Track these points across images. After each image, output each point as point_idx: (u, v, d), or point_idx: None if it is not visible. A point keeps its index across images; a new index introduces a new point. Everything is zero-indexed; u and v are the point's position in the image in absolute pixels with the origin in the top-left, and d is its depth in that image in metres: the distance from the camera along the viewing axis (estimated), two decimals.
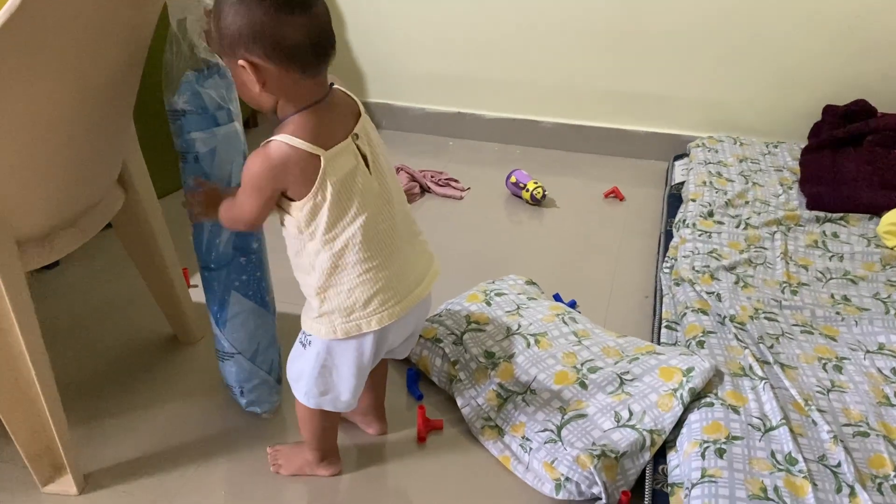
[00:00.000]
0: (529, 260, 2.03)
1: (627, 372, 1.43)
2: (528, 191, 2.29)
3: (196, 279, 1.80)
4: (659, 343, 1.58)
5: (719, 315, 1.58)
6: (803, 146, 2.29)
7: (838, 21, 2.26)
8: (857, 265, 1.79)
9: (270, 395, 1.45)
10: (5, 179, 1.10)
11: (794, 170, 2.21)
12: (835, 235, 1.90)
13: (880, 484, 1.19)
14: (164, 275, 1.59)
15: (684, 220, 1.97)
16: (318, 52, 1.02)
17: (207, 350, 1.64)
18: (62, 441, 1.27)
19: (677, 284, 1.71)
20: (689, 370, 1.37)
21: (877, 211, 1.95)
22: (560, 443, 1.32)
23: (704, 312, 1.59)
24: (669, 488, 1.24)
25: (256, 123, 2.76)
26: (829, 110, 2.33)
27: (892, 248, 1.82)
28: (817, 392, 1.38)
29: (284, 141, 1.03)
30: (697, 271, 1.74)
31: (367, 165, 1.09)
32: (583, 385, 1.41)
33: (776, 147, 2.36)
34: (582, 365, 1.46)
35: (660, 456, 1.31)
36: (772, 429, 1.27)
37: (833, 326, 1.58)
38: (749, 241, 1.88)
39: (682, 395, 1.33)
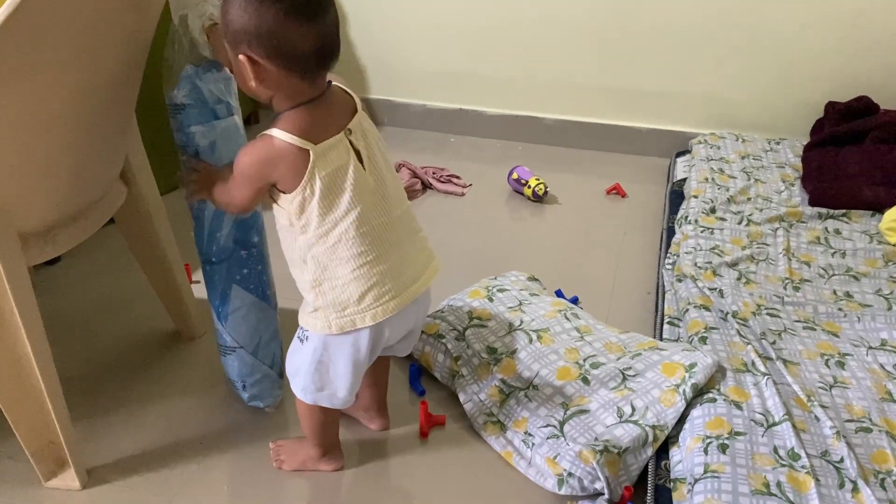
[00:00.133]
0: (531, 256, 2.03)
1: (630, 368, 1.43)
2: (529, 187, 2.29)
3: (198, 275, 1.80)
4: (661, 339, 1.58)
5: (722, 311, 1.58)
6: (805, 143, 2.29)
7: (841, 18, 2.26)
8: (860, 262, 1.78)
9: (273, 390, 1.45)
10: (8, 175, 1.10)
11: (797, 166, 2.21)
12: (837, 232, 1.90)
13: (883, 479, 1.19)
14: (166, 270, 1.59)
15: (686, 217, 1.97)
16: (320, 60, 1.03)
17: (209, 345, 1.64)
18: (65, 436, 1.27)
19: (679, 280, 1.71)
20: (692, 366, 1.37)
21: (879, 207, 1.95)
22: (562, 438, 1.32)
23: (707, 308, 1.59)
24: (672, 483, 1.24)
25: (258, 120, 2.76)
26: (831, 107, 2.33)
27: (894, 245, 1.82)
28: (820, 388, 1.38)
29: (274, 135, 1.04)
30: (700, 267, 1.74)
31: (361, 161, 1.09)
32: (585, 381, 1.42)
33: (778, 144, 2.36)
34: (584, 361, 1.46)
35: (662, 451, 1.31)
36: (774, 424, 1.27)
37: (835, 323, 1.58)
38: (751, 238, 1.87)
39: (684, 390, 1.33)
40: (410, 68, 2.73)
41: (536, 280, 1.79)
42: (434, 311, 1.63)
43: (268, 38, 0.98)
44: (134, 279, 1.76)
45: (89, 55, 1.09)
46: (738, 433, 1.25)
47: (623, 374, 1.42)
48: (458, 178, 2.43)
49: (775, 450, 1.22)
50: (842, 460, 1.21)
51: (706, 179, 2.13)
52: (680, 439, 1.30)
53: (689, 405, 1.33)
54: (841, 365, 1.44)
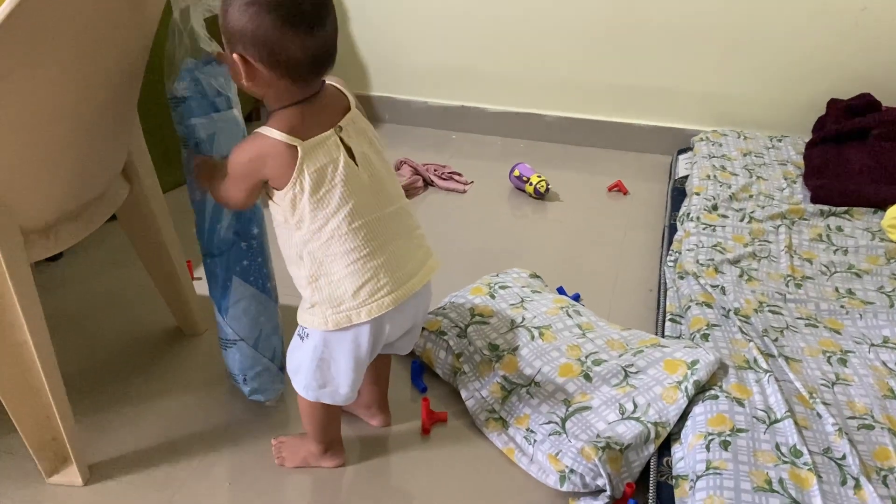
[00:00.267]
0: (533, 253, 2.03)
1: (632, 364, 1.43)
2: (531, 184, 2.29)
3: (199, 271, 1.79)
4: (663, 336, 1.58)
5: (724, 308, 1.58)
6: (807, 140, 2.28)
7: (843, 15, 2.26)
8: (862, 259, 1.78)
9: (273, 383, 1.45)
10: (10, 171, 1.10)
11: (798, 163, 2.20)
12: (839, 229, 1.90)
13: (885, 476, 1.19)
14: (168, 267, 1.59)
15: (688, 214, 1.97)
16: (314, 68, 1.05)
17: (211, 342, 1.64)
18: (67, 432, 1.27)
19: (681, 278, 1.71)
20: (694, 363, 1.37)
21: (881, 205, 1.94)
22: (564, 435, 1.32)
23: (709, 305, 1.59)
24: (674, 480, 1.24)
25: (260, 116, 2.76)
26: (833, 104, 2.33)
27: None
28: (822, 385, 1.38)
29: (264, 132, 1.06)
30: (702, 265, 1.74)
31: (354, 158, 1.10)
32: (587, 377, 1.42)
33: (780, 141, 2.35)
34: (586, 357, 1.46)
35: (664, 448, 1.31)
36: (776, 421, 1.27)
37: (837, 320, 1.58)
38: (753, 235, 1.87)
39: (686, 387, 1.33)
40: (412, 65, 2.73)
41: (538, 277, 1.79)
42: (436, 307, 1.63)
43: (263, 43, 1.00)
44: (136, 276, 1.76)
45: (91, 52, 1.09)
46: (740, 430, 1.25)
47: (625, 370, 1.42)
48: (459, 175, 2.42)
49: (777, 447, 1.22)
50: (844, 457, 1.21)
51: (708, 177, 2.13)
52: (682, 436, 1.30)
53: (692, 402, 1.33)
54: (843, 362, 1.44)
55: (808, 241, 1.86)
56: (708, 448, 1.22)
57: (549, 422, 1.36)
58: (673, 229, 1.98)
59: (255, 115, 2.73)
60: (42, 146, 1.12)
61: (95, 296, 1.83)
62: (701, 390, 1.34)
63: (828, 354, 1.46)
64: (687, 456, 1.25)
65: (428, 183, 2.39)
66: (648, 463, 1.29)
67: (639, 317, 1.76)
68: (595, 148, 2.65)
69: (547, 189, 2.29)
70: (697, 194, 2.05)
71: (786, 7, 2.29)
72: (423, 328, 1.56)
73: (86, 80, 1.11)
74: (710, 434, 1.25)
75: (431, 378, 1.57)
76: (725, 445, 1.22)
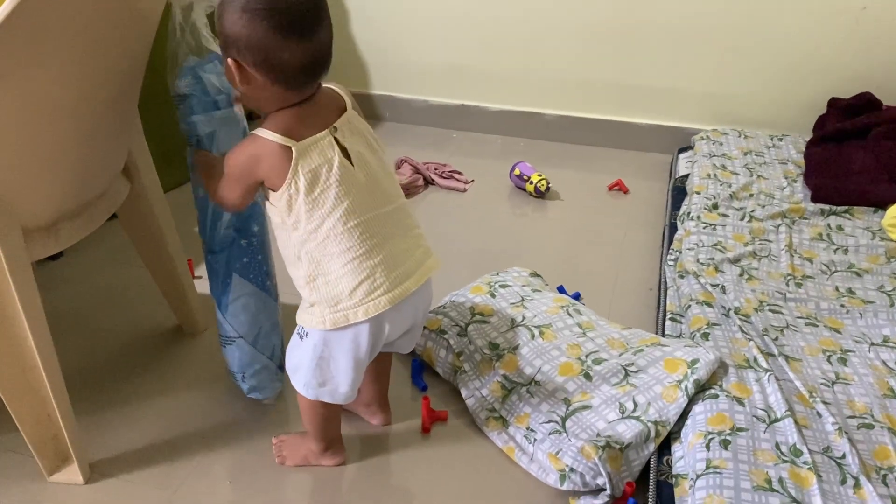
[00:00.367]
0: (533, 252, 2.03)
1: (632, 364, 1.43)
2: (531, 183, 2.29)
3: (200, 270, 1.80)
4: (663, 335, 1.58)
5: (724, 307, 1.58)
6: (808, 139, 2.28)
7: (844, 13, 2.26)
8: (862, 258, 1.78)
9: (272, 382, 1.45)
10: (11, 169, 1.10)
11: (799, 162, 2.20)
12: (839, 228, 1.90)
13: (885, 476, 1.19)
14: (168, 265, 1.59)
15: (689, 213, 1.97)
16: (308, 75, 1.06)
17: (212, 340, 1.64)
18: (68, 430, 1.28)
19: (682, 277, 1.71)
20: (694, 362, 1.37)
21: (882, 204, 1.94)
22: (565, 434, 1.33)
23: (709, 304, 1.59)
24: (674, 479, 1.24)
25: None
26: (834, 103, 2.33)
27: None
28: (822, 384, 1.38)
29: (259, 134, 1.08)
30: (702, 263, 1.74)
31: (350, 158, 1.10)
32: (587, 377, 1.42)
33: (781, 140, 2.35)
34: (587, 356, 1.46)
35: (664, 447, 1.31)
36: (776, 420, 1.27)
37: (838, 319, 1.58)
38: (753, 234, 1.87)
39: (686, 386, 1.33)
40: (412, 64, 2.73)
41: (538, 276, 1.80)
42: (436, 306, 1.64)
43: (257, 49, 1.02)
44: (136, 274, 1.76)
45: (91, 52, 1.09)
46: (740, 429, 1.25)
47: (625, 370, 1.42)
48: (460, 173, 2.42)
49: (777, 446, 1.22)
50: (844, 456, 1.21)
51: (708, 176, 2.13)
52: (682, 435, 1.30)
53: (691, 401, 1.33)
54: (843, 361, 1.44)
55: (809, 241, 1.86)
56: (708, 447, 1.22)
57: (550, 421, 1.36)
58: (673, 228, 1.98)
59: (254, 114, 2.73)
60: (43, 145, 1.12)
61: (96, 294, 1.83)
62: (701, 389, 1.35)
63: (828, 353, 1.46)
64: (687, 455, 1.25)
65: (428, 182, 2.39)
66: (648, 462, 1.29)
67: (639, 316, 1.76)
68: (595, 147, 2.65)
69: (547, 188, 2.29)
70: (698, 193, 2.05)
71: (787, 6, 2.29)
72: (424, 327, 1.56)
73: (86, 79, 1.11)
74: (710, 433, 1.25)
75: (432, 377, 1.57)
76: (725, 444, 1.22)
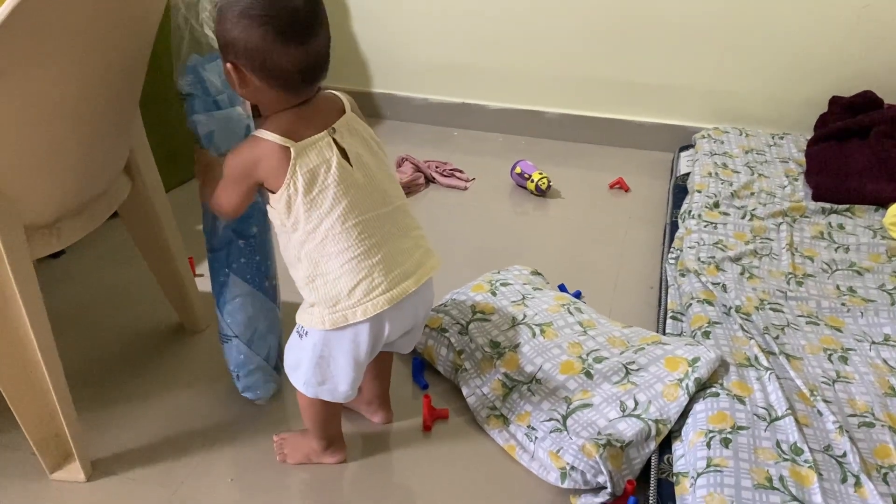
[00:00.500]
0: (534, 250, 2.04)
1: (633, 362, 1.43)
2: (532, 181, 2.29)
3: (202, 268, 1.81)
4: (664, 333, 1.58)
5: (725, 306, 1.58)
6: (809, 137, 2.28)
7: (845, 12, 2.25)
8: (863, 256, 1.78)
9: (266, 383, 1.45)
10: (13, 168, 1.10)
11: (800, 161, 2.20)
12: (840, 227, 1.90)
13: (885, 474, 1.19)
14: (170, 263, 1.59)
15: (690, 211, 1.97)
16: (305, 79, 1.07)
17: (213, 338, 1.64)
18: (70, 428, 1.28)
19: (683, 275, 1.71)
20: (695, 360, 1.37)
21: (883, 202, 1.94)
22: (565, 432, 1.33)
23: (710, 303, 1.59)
24: (675, 477, 1.24)
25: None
26: (835, 101, 2.33)
27: None
28: (823, 383, 1.38)
29: (258, 135, 1.09)
30: (703, 262, 1.74)
31: (348, 159, 1.11)
32: (588, 375, 1.42)
33: (782, 138, 2.35)
34: (587, 355, 1.46)
35: (665, 445, 1.31)
36: (777, 419, 1.27)
37: (839, 317, 1.58)
38: (755, 232, 1.87)
39: (687, 385, 1.34)
40: (413, 62, 2.73)
41: (539, 274, 1.80)
42: (437, 304, 1.64)
43: (255, 55, 1.03)
44: (138, 272, 1.76)
45: (92, 51, 1.09)
46: (740, 427, 1.25)
47: (626, 368, 1.42)
48: (460, 172, 2.42)
49: (778, 444, 1.22)
50: (844, 455, 1.21)
51: (709, 174, 2.13)
52: (683, 433, 1.30)
53: (692, 399, 1.33)
54: (844, 360, 1.44)
55: (810, 239, 1.86)
56: (709, 445, 1.22)
57: (551, 419, 1.36)
58: (674, 226, 1.98)
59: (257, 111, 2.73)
60: (44, 143, 1.12)
61: (98, 292, 1.83)
62: (702, 388, 1.35)
63: (829, 352, 1.46)
64: (688, 453, 1.25)
65: (429, 180, 2.39)
66: (649, 460, 1.29)
67: (640, 314, 1.76)
68: (596, 145, 2.65)
69: (548, 186, 2.29)
70: (699, 191, 2.05)
71: (788, 4, 2.28)
72: (425, 325, 1.56)
73: (87, 78, 1.11)
74: (710, 431, 1.25)
75: (433, 375, 1.57)
76: (726, 443, 1.22)
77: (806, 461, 1.19)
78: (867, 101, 2.25)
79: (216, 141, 1.28)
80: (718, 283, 1.66)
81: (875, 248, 1.80)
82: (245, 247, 1.35)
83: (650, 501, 1.23)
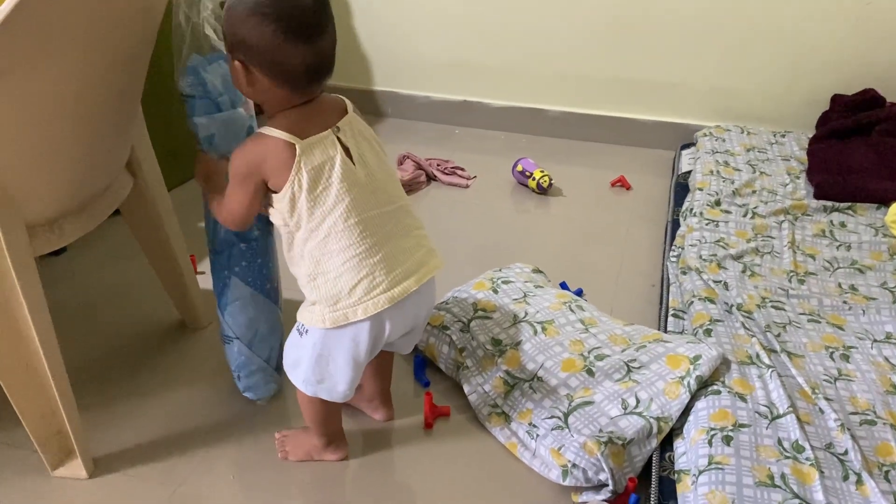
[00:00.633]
0: (536, 248, 2.04)
1: (634, 360, 1.43)
2: (534, 179, 2.29)
3: (203, 266, 1.81)
4: (665, 331, 1.58)
5: (726, 303, 1.58)
6: (811, 135, 2.28)
7: (847, 10, 2.25)
8: (865, 254, 1.78)
9: (266, 384, 1.45)
10: (14, 165, 1.10)
11: (802, 159, 2.20)
12: (842, 225, 1.90)
13: (887, 472, 1.19)
14: (172, 261, 1.59)
15: (691, 209, 1.97)
16: (312, 78, 1.08)
17: (214, 336, 1.64)
18: (72, 425, 1.28)
19: (684, 273, 1.71)
20: (697, 358, 1.37)
21: (885, 200, 1.94)
22: (567, 429, 1.33)
23: (711, 301, 1.59)
24: (676, 475, 1.24)
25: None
26: (837, 99, 2.32)
27: None
28: (824, 380, 1.38)
29: (264, 132, 1.10)
30: (704, 260, 1.74)
31: (351, 157, 1.12)
32: (590, 372, 1.42)
33: (784, 136, 2.35)
34: (589, 352, 1.46)
35: (666, 443, 1.31)
36: (779, 417, 1.27)
37: (840, 315, 1.58)
38: (756, 231, 1.87)
39: (689, 382, 1.34)
40: (415, 60, 2.72)
41: (541, 272, 1.80)
42: (439, 302, 1.64)
43: (263, 52, 1.04)
44: (139, 270, 1.76)
45: (93, 49, 1.09)
46: (742, 425, 1.25)
47: (628, 366, 1.42)
48: (462, 170, 2.42)
49: (779, 442, 1.22)
50: (846, 453, 1.21)
51: (711, 172, 2.13)
52: (684, 431, 1.30)
53: (694, 397, 1.33)
54: (846, 358, 1.44)
55: (812, 237, 1.86)
56: (710, 443, 1.22)
57: (552, 416, 1.36)
58: (676, 224, 1.98)
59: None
60: (46, 141, 1.12)
61: (99, 290, 1.83)
62: (703, 385, 1.35)
63: (830, 350, 1.46)
64: (689, 451, 1.25)
65: (431, 178, 2.39)
66: (651, 458, 1.29)
67: (641, 312, 1.76)
68: (598, 143, 2.65)
69: (550, 184, 2.29)
70: (700, 189, 2.05)
71: (790, 2, 2.28)
72: (427, 323, 1.56)
73: (88, 76, 1.11)
74: (712, 429, 1.25)
75: (434, 372, 1.57)
76: (728, 440, 1.22)
77: (807, 459, 1.19)
78: (869, 100, 2.25)
79: (217, 144, 1.27)
80: (720, 281, 1.66)
81: (877, 246, 1.80)
82: (246, 250, 1.34)
83: (652, 499, 1.23)
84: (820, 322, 1.55)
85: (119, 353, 1.63)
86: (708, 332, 1.49)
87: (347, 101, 1.17)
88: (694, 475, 1.20)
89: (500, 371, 1.46)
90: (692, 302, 1.60)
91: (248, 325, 1.38)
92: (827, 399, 1.32)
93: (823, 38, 2.31)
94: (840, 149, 2.12)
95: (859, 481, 1.17)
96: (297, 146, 1.07)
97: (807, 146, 2.24)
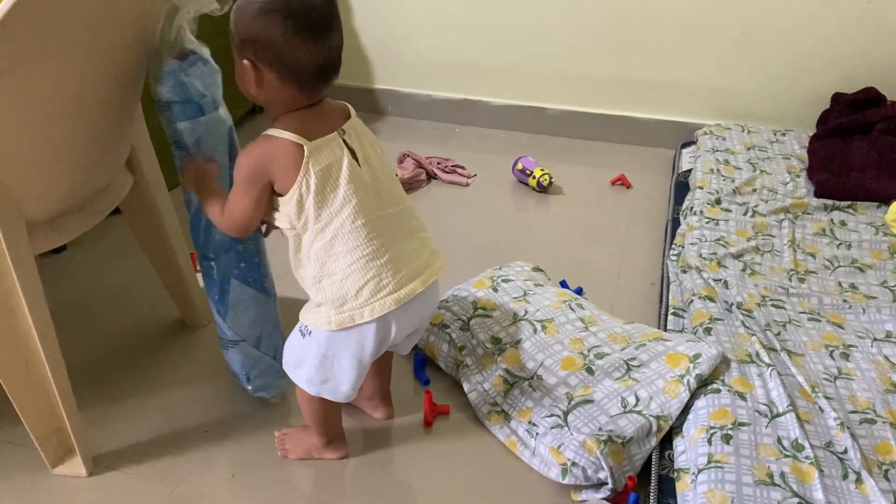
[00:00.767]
0: (536, 247, 2.03)
1: (634, 358, 1.43)
2: (534, 178, 2.29)
3: None
4: (665, 330, 1.58)
5: (726, 302, 1.58)
6: (811, 134, 2.28)
7: (848, 8, 2.25)
8: (865, 253, 1.78)
9: (277, 380, 1.45)
10: (14, 163, 1.10)
11: (802, 158, 2.20)
12: (842, 223, 1.90)
13: (887, 471, 1.19)
14: (171, 259, 1.59)
15: (691, 208, 1.97)
16: (320, 77, 1.09)
17: (214, 334, 1.63)
18: (71, 423, 1.28)
19: (684, 272, 1.71)
20: (696, 356, 1.37)
21: (885, 199, 1.94)
22: (566, 428, 1.33)
23: (711, 299, 1.59)
24: (676, 474, 1.24)
25: (262, 110, 2.75)
26: (837, 98, 2.32)
27: None
28: (824, 379, 1.38)
29: (272, 133, 1.10)
30: (704, 258, 1.74)
31: (357, 159, 1.12)
32: (589, 371, 1.42)
33: (784, 135, 2.35)
34: (589, 351, 1.46)
35: (666, 442, 1.31)
36: (778, 415, 1.27)
37: (840, 314, 1.58)
38: (756, 229, 1.87)
39: (688, 381, 1.34)
40: (415, 58, 2.72)
41: (541, 270, 1.79)
42: (439, 300, 1.63)
43: (274, 50, 1.04)
44: (139, 268, 1.76)
45: (93, 48, 1.09)
46: (742, 424, 1.25)
47: (627, 364, 1.42)
48: (462, 168, 2.42)
49: (779, 440, 1.22)
50: (846, 451, 1.21)
51: (711, 170, 2.13)
52: (684, 430, 1.30)
53: (694, 396, 1.33)
54: (845, 356, 1.44)
55: (812, 236, 1.86)
56: (710, 441, 1.22)
57: (552, 415, 1.36)
58: (676, 223, 1.98)
59: (258, 108, 2.73)
60: (46, 140, 1.12)
61: (99, 288, 1.83)
62: (703, 384, 1.35)
63: (830, 349, 1.46)
64: (689, 449, 1.25)
65: (431, 176, 2.39)
66: (650, 456, 1.29)
67: (641, 311, 1.76)
68: (598, 141, 2.65)
69: (550, 182, 2.28)
70: (701, 188, 2.05)
71: (790, 0, 2.28)
72: None
73: (88, 75, 1.11)
74: (711, 428, 1.25)
75: (434, 371, 1.57)
76: (727, 439, 1.22)
77: (807, 458, 1.19)
78: (870, 98, 2.24)
79: (204, 148, 1.25)
80: (720, 280, 1.66)
81: (877, 245, 1.80)
82: (244, 251, 1.33)
83: (651, 497, 1.23)
84: (820, 321, 1.55)
85: (119, 352, 1.63)
86: (708, 331, 1.49)
87: (350, 107, 1.18)
88: (693, 474, 1.20)
89: (499, 369, 1.46)
90: (692, 300, 1.60)
91: (252, 325, 1.38)
92: (827, 398, 1.32)
93: (824, 37, 2.30)
94: (841, 147, 2.12)
95: (859, 480, 1.17)
96: (305, 147, 1.07)
97: (807, 144, 2.23)
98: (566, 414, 1.35)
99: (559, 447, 1.30)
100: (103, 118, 1.23)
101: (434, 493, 1.32)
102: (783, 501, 1.12)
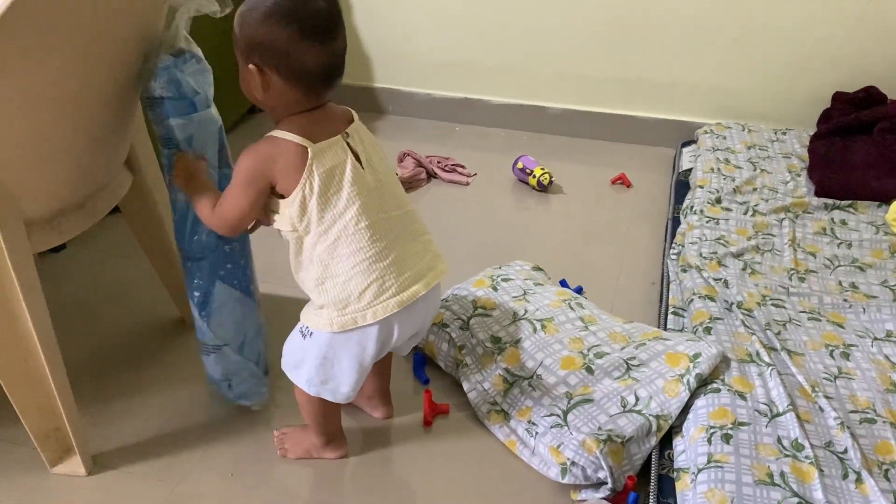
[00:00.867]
0: (536, 246, 2.03)
1: (634, 357, 1.43)
2: (534, 177, 2.28)
3: None
4: (665, 329, 1.58)
5: (726, 301, 1.58)
6: (812, 133, 2.28)
7: (849, 7, 2.24)
8: (866, 252, 1.78)
9: (259, 387, 1.43)
10: (14, 161, 1.10)
11: (803, 157, 2.20)
12: (843, 223, 1.90)
13: (887, 470, 1.19)
14: (171, 258, 1.59)
15: (692, 207, 1.97)
16: (325, 80, 1.09)
17: None
18: (70, 422, 1.28)
19: (684, 271, 1.71)
20: (696, 356, 1.37)
21: (885, 198, 1.94)
22: (566, 427, 1.33)
23: (711, 299, 1.58)
24: (675, 473, 1.24)
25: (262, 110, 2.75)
26: (838, 97, 2.32)
27: None
28: (824, 379, 1.38)
29: (276, 135, 1.10)
30: (705, 258, 1.74)
31: (360, 162, 1.13)
32: (589, 370, 1.42)
33: (784, 134, 2.34)
34: (588, 350, 1.46)
35: (666, 441, 1.31)
36: (778, 415, 1.27)
37: (840, 313, 1.58)
38: (757, 228, 1.87)
39: (688, 380, 1.33)
40: (416, 57, 2.72)
41: (541, 270, 1.79)
42: None
43: (280, 54, 1.05)
44: (139, 267, 1.76)
45: (92, 47, 1.09)
46: (741, 423, 1.25)
47: (627, 363, 1.42)
48: (462, 167, 2.42)
49: (779, 440, 1.22)
50: (846, 451, 1.21)
51: (712, 170, 2.12)
52: (684, 429, 1.30)
53: (693, 395, 1.33)
54: (846, 356, 1.44)
55: (812, 235, 1.86)
56: (710, 441, 1.22)
57: (551, 414, 1.36)
58: (676, 222, 1.98)
59: (257, 107, 2.72)
60: (44, 139, 1.12)
61: (98, 286, 1.83)
62: (703, 383, 1.34)
63: (830, 348, 1.46)
64: (688, 449, 1.25)
65: (431, 175, 2.39)
66: (650, 456, 1.29)
67: (641, 310, 1.76)
68: (599, 140, 2.65)
69: (550, 181, 2.28)
70: (701, 187, 2.04)
71: (790, 0, 2.27)
72: None
73: (87, 74, 1.11)
74: (711, 427, 1.25)
75: (433, 370, 1.57)
76: (727, 439, 1.22)
77: (807, 457, 1.19)
78: (871, 97, 2.24)
79: (195, 146, 1.24)
80: (720, 279, 1.65)
81: (877, 244, 1.80)
82: (231, 252, 1.31)
83: (651, 497, 1.23)
84: (820, 320, 1.55)
85: (118, 351, 1.63)
86: (708, 330, 1.49)
87: (353, 112, 1.19)
88: (693, 473, 1.20)
89: (499, 369, 1.46)
90: (692, 300, 1.59)
91: (236, 329, 1.35)
92: (827, 397, 1.32)
93: (825, 36, 2.30)
94: (841, 146, 2.12)
95: (859, 480, 1.16)
96: (309, 149, 1.08)
97: (808, 144, 2.23)
98: (566, 413, 1.35)
99: (559, 446, 1.30)
100: (103, 117, 1.23)
101: (434, 493, 1.32)
102: (783, 501, 1.12)
